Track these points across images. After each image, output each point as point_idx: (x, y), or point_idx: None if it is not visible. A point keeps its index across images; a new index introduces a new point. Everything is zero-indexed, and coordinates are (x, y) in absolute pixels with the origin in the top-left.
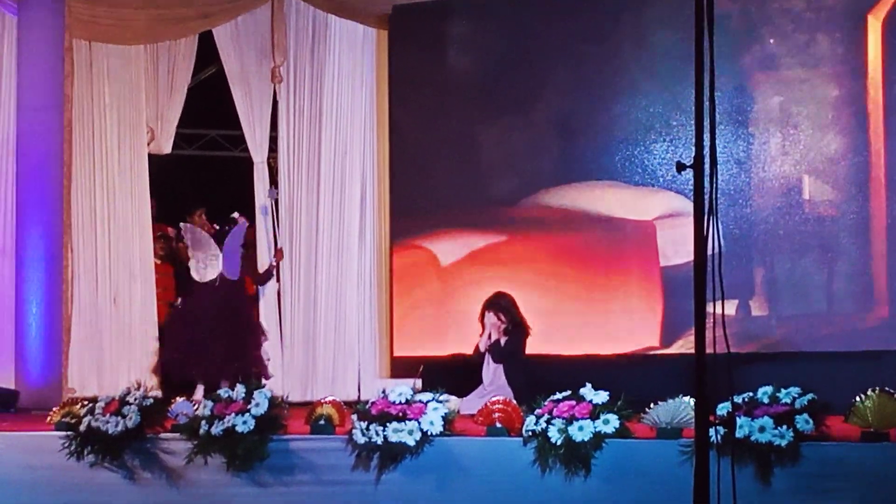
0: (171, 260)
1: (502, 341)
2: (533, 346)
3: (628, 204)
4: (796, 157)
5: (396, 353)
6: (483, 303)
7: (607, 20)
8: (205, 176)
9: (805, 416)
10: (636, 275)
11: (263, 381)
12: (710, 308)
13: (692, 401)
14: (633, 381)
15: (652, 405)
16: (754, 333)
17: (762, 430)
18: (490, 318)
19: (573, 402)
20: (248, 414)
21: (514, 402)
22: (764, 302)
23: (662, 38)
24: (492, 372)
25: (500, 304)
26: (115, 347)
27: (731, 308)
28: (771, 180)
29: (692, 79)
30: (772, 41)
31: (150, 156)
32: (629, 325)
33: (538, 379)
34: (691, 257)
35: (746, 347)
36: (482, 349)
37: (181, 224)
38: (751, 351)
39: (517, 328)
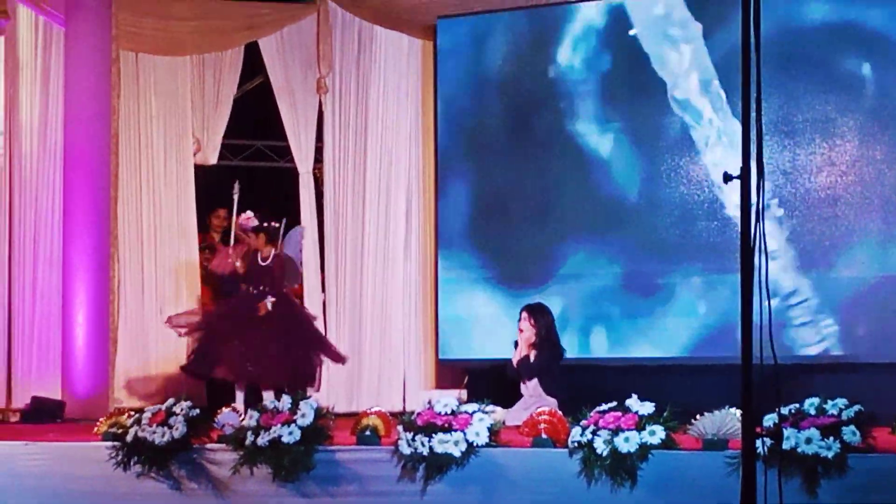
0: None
1: (531, 356)
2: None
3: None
4: (842, 168)
5: (442, 365)
6: (523, 306)
7: (657, 28)
8: (250, 186)
9: (852, 427)
10: (707, 280)
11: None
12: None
13: (739, 412)
14: (700, 389)
15: (698, 416)
16: (801, 344)
17: (809, 441)
18: (524, 322)
19: (619, 414)
20: (293, 425)
21: (560, 412)
22: (811, 312)
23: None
24: (530, 387)
25: (538, 311)
26: (161, 357)
27: (801, 317)
28: (841, 188)
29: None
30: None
31: (196, 166)
32: (700, 332)
33: (582, 387)
34: (763, 265)
35: (793, 358)
36: (514, 363)
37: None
38: (798, 362)
39: (549, 345)
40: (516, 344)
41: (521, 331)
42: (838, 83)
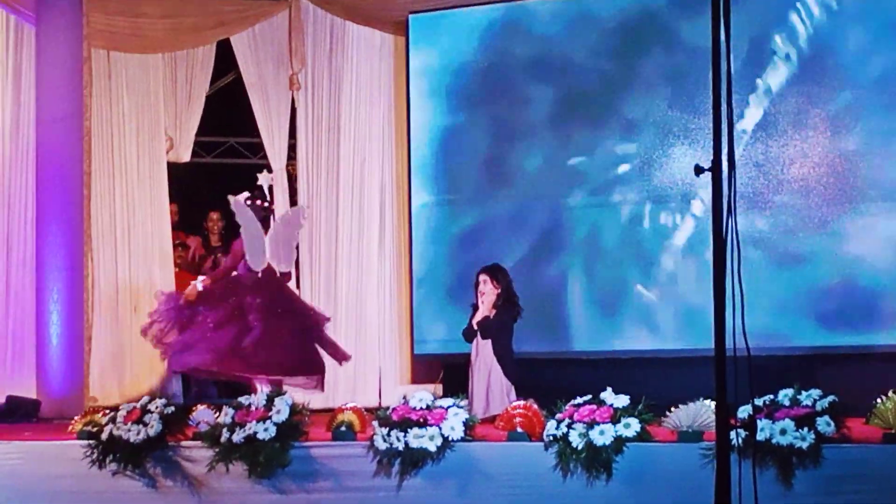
0: (189, 268)
1: (492, 315)
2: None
3: (670, 200)
4: (815, 160)
5: (417, 360)
6: (479, 270)
7: (630, 24)
8: (224, 184)
9: (826, 418)
10: (681, 272)
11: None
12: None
13: (713, 404)
14: (675, 382)
15: (673, 408)
16: (774, 335)
17: (783, 432)
18: (486, 284)
19: (594, 407)
20: (269, 421)
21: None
22: (784, 303)
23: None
24: (482, 348)
25: (498, 271)
26: (136, 356)
27: (775, 309)
28: (814, 179)
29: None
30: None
31: (169, 164)
32: (674, 325)
33: (553, 381)
34: (735, 257)
35: (766, 350)
36: (475, 325)
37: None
38: (771, 353)
39: (509, 304)
40: (473, 308)
41: (481, 293)
42: (811, 74)
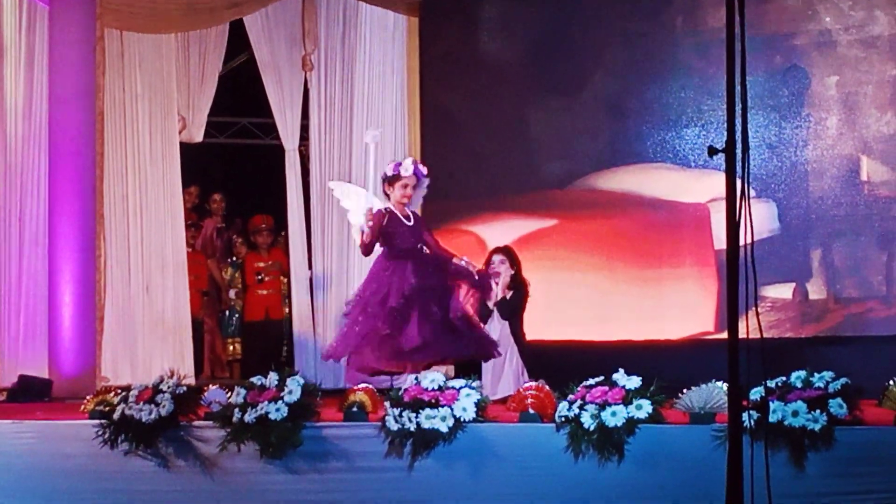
0: (202, 249)
1: (508, 296)
2: (586, 331)
3: (682, 186)
4: (828, 142)
5: None
6: (491, 250)
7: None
8: (236, 164)
9: (838, 400)
10: (690, 258)
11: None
12: (763, 292)
13: (725, 385)
14: (686, 365)
15: (685, 390)
16: (787, 317)
17: (795, 414)
18: (501, 264)
19: (606, 388)
20: (280, 401)
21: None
22: (797, 285)
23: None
24: (494, 328)
25: (512, 252)
26: (147, 336)
27: (787, 291)
28: (828, 161)
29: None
30: (828, 19)
31: (182, 144)
32: (683, 310)
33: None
34: (748, 239)
35: (780, 331)
36: (491, 306)
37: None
38: (784, 335)
39: (522, 285)
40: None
41: (497, 273)
42: (823, 56)
